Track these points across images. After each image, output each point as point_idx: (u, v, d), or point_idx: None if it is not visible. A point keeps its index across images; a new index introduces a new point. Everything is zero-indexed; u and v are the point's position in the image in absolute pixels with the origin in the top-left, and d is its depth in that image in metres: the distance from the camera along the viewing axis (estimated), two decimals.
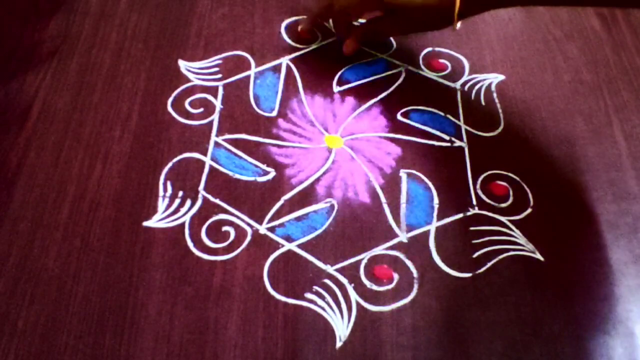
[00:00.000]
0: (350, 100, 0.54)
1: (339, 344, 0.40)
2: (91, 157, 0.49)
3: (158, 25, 0.59)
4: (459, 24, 0.49)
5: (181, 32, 0.58)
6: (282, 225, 0.46)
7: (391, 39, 0.58)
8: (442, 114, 0.53)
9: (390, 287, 0.43)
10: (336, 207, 0.47)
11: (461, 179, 0.49)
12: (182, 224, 0.45)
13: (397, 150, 0.50)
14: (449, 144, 0.51)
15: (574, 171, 0.49)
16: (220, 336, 0.40)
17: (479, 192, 0.48)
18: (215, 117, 0.52)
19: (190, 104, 0.53)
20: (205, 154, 0.50)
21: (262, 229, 0.46)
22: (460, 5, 0.47)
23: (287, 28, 0.59)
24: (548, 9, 0.62)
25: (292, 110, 0.53)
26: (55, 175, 0.48)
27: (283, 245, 0.45)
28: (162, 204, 0.46)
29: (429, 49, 0.58)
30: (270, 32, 0.59)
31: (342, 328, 0.41)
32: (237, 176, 0.48)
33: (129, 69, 0.55)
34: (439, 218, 0.46)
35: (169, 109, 0.53)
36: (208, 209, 0.46)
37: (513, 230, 0.46)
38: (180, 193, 0.47)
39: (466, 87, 0.55)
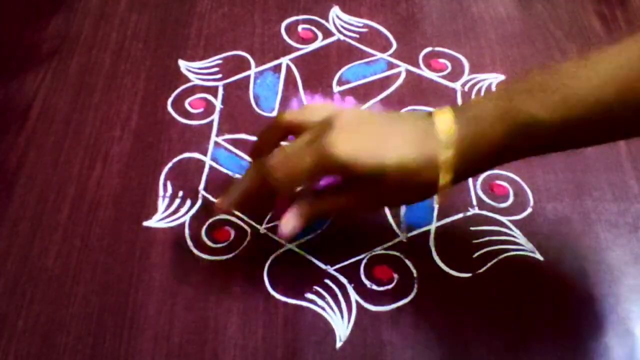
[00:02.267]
0: (350, 100, 0.54)
1: (339, 344, 0.40)
2: (91, 157, 0.49)
3: (158, 25, 0.59)
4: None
5: (181, 32, 0.58)
6: None
7: (392, 38, 0.58)
8: None
9: (390, 287, 0.43)
10: None
11: None
12: (182, 224, 0.45)
13: None
14: None
15: (573, 171, 0.49)
16: (220, 336, 0.40)
17: (479, 192, 0.48)
18: (215, 117, 0.52)
19: (190, 104, 0.53)
20: (205, 154, 0.50)
21: (262, 229, 0.46)
22: (449, 177, 0.36)
23: (287, 28, 0.59)
24: (547, 8, 0.62)
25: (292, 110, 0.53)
26: (55, 175, 0.48)
27: (283, 245, 0.45)
28: (162, 204, 0.46)
29: (429, 48, 0.58)
30: (270, 32, 0.59)
31: (342, 328, 0.41)
32: (237, 176, 0.48)
33: (129, 69, 0.55)
34: (439, 218, 0.46)
35: (169, 109, 0.53)
36: (208, 209, 0.46)
37: (513, 230, 0.46)
38: (180, 193, 0.47)
39: (466, 87, 0.55)
